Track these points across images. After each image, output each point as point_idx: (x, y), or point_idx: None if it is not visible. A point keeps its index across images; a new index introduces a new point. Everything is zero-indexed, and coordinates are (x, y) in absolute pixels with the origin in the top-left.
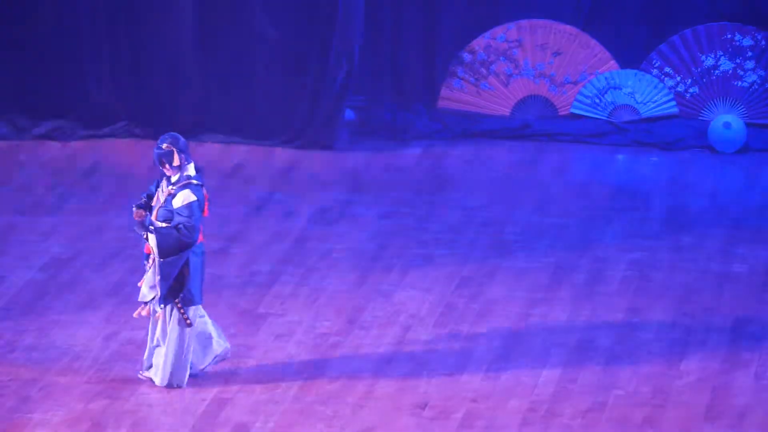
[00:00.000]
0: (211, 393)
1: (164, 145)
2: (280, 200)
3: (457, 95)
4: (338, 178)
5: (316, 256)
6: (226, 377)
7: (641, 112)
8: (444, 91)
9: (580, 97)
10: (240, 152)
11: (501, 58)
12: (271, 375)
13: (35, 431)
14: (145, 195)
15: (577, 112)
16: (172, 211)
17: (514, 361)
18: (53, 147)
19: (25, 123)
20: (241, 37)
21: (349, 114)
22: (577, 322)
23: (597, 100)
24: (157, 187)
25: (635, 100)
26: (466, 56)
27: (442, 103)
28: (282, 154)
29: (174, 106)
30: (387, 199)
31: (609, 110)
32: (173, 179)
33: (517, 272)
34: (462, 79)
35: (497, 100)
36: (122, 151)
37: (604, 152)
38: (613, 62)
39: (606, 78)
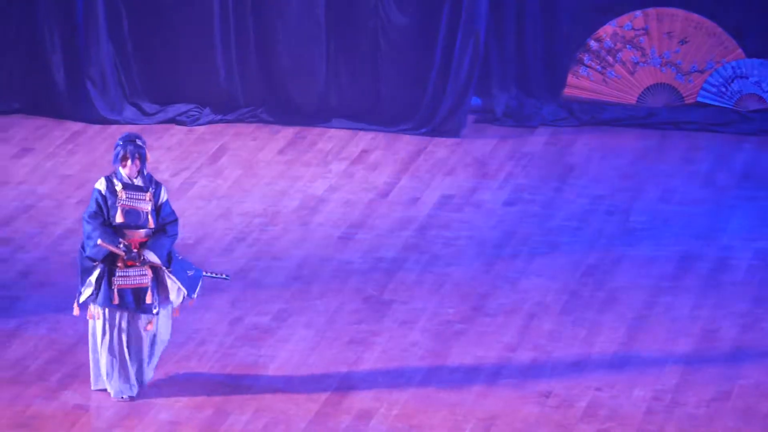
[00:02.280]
0: (335, 379)
1: (141, 143)
2: (405, 187)
3: (584, 83)
4: (464, 164)
5: (441, 242)
6: (350, 364)
7: None
8: (570, 79)
9: (706, 86)
10: (365, 139)
11: (627, 46)
12: (395, 362)
13: (159, 416)
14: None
15: (703, 100)
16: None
17: (639, 350)
18: (179, 131)
19: (151, 108)
20: (367, 23)
21: (475, 101)
22: (702, 312)
23: (723, 89)
24: (103, 197)
25: (762, 89)
26: (593, 44)
27: (568, 91)
28: (408, 141)
29: (300, 92)
30: (512, 186)
31: (735, 99)
32: (136, 180)
33: (643, 261)
34: (588, 66)
35: (623, 88)
36: (248, 135)
37: (730, 141)
38: (739, 51)
39: (732, 67)
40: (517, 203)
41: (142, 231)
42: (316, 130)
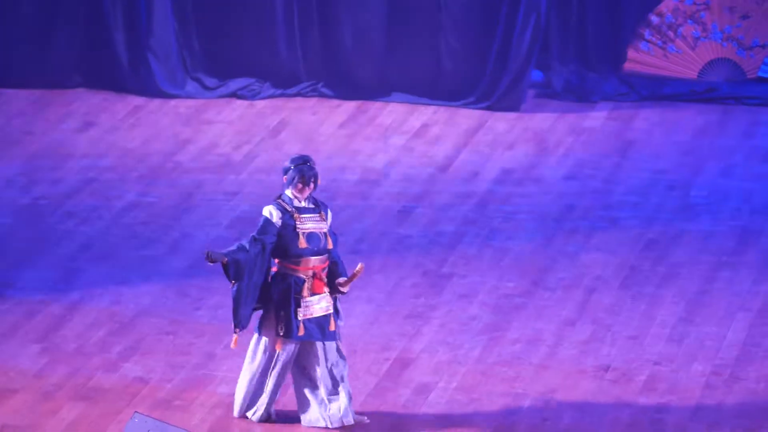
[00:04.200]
0: (394, 353)
1: (313, 163)
2: (465, 161)
3: (644, 58)
4: (524, 139)
5: (501, 217)
6: (409, 337)
7: None
8: (631, 53)
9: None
10: (426, 113)
11: (688, 20)
12: (454, 335)
13: (219, 388)
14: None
15: (764, 75)
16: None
17: (698, 325)
18: (240, 106)
19: (212, 82)
20: None
21: (536, 75)
22: (763, 287)
23: None
24: (286, 218)
25: None
26: (654, 18)
27: (628, 66)
28: (468, 115)
29: (361, 66)
30: (572, 160)
31: None
32: (304, 203)
33: (703, 235)
34: (649, 41)
35: (684, 63)
36: (308, 110)
37: None
38: None
39: None
40: (576, 178)
41: (323, 255)
42: (376, 104)
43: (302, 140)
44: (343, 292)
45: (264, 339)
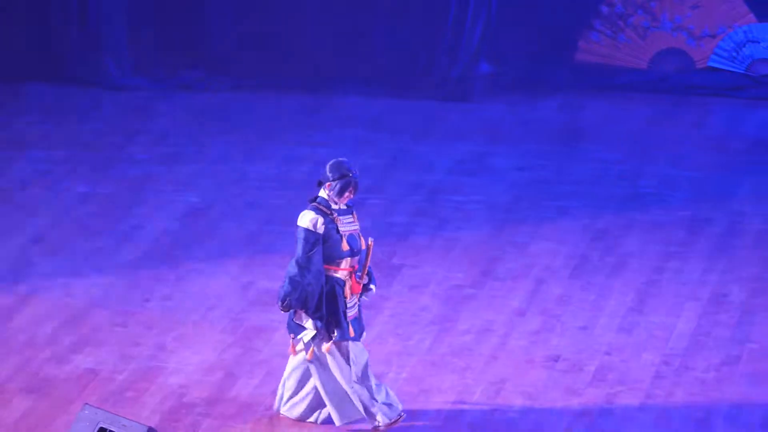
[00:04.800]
0: None
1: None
2: (416, 152)
3: (595, 48)
4: (475, 130)
5: (452, 207)
6: None
7: None
8: (581, 44)
9: (718, 51)
10: (379, 105)
11: (639, 10)
12: (404, 326)
13: (170, 379)
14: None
15: (714, 65)
16: None
17: (648, 315)
18: (190, 97)
19: (162, 74)
20: None
21: (486, 67)
22: (712, 276)
23: (735, 54)
24: (328, 223)
25: None
26: (604, 9)
27: (579, 56)
28: (420, 107)
29: (314, 59)
30: (523, 151)
31: (747, 63)
32: (342, 206)
33: (652, 225)
34: (599, 31)
35: (634, 53)
36: (261, 101)
37: (742, 106)
38: (751, 15)
39: (744, 31)
40: (527, 168)
41: (358, 256)
42: (330, 98)
43: (254, 132)
44: (365, 286)
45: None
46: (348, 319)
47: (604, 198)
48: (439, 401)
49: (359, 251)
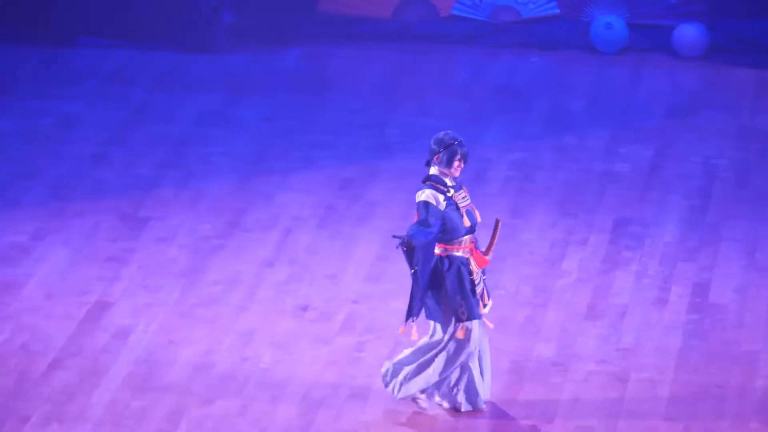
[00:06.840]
0: (93, 297)
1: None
2: (159, 104)
3: None
4: (218, 81)
5: (198, 159)
6: (107, 282)
7: (522, 13)
8: None
9: None
10: (119, 56)
11: None
12: (152, 278)
13: None
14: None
15: (458, 14)
16: None
17: (395, 263)
18: None
19: None
20: None
21: (228, 16)
22: None
23: (478, 2)
24: (447, 200)
25: (516, 0)
26: None
27: (323, 6)
28: (161, 58)
29: (49, 8)
30: (268, 101)
31: (489, 11)
32: (451, 182)
33: (399, 174)
34: None
35: (378, 3)
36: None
37: (485, 53)
38: None
39: None
40: (272, 119)
41: (474, 232)
42: (68, 49)
43: None
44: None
45: (439, 326)
46: (477, 298)
47: (350, 147)
48: (189, 352)
49: (476, 226)
